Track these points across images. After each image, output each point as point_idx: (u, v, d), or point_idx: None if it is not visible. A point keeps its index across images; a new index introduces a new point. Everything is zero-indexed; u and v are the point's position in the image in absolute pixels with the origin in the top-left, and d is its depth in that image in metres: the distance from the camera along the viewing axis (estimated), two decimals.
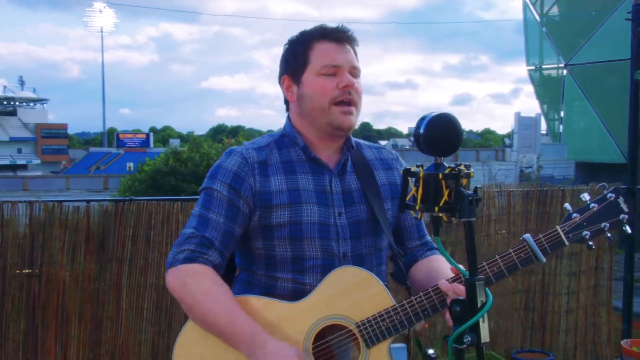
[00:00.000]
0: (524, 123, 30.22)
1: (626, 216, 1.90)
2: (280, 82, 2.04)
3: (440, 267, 1.97)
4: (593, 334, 4.93)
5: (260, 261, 1.96)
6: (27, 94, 75.89)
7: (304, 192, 1.93)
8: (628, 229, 1.91)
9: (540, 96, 38.44)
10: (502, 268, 1.85)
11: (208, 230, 1.88)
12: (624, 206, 1.91)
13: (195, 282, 1.83)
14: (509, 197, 4.74)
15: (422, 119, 1.56)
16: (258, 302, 1.86)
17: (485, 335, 1.48)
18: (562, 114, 37.16)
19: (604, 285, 4.97)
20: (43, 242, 4.12)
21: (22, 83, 78.56)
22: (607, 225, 1.89)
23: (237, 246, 2.02)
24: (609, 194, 1.91)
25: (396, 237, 2.11)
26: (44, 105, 78.51)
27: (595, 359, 4.94)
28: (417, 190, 1.55)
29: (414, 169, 1.57)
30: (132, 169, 36.90)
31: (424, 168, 1.57)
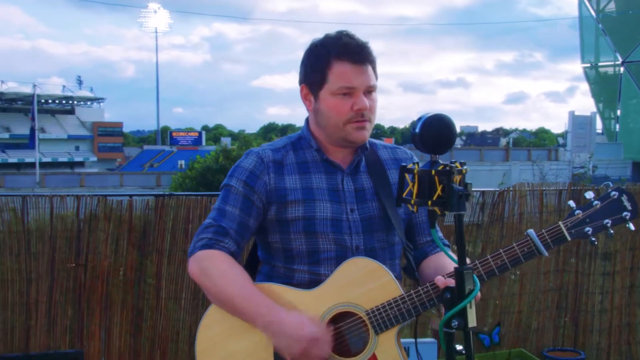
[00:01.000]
0: (579, 122, 29.51)
1: (629, 214, 1.94)
2: (300, 88, 2.15)
3: (447, 263, 2.06)
4: (628, 335, 4.89)
5: (279, 254, 2.09)
6: (85, 93, 78.01)
7: (317, 190, 2.06)
8: (631, 226, 1.96)
9: (596, 94, 37.56)
10: (505, 261, 1.94)
11: (224, 221, 2.04)
12: (627, 204, 1.95)
13: (212, 266, 1.99)
14: (541, 196, 4.75)
15: (419, 119, 1.68)
16: (273, 288, 2.00)
17: (472, 320, 1.59)
18: (618, 112, 36.23)
19: None
20: (89, 234, 4.33)
21: (80, 82, 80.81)
22: (610, 222, 1.93)
23: (258, 240, 2.18)
24: (613, 192, 1.96)
25: (408, 233, 2.21)
26: (101, 104, 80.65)
27: (629, 359, 4.90)
28: (413, 186, 1.67)
29: (410, 166, 1.69)
30: (183, 166, 37.66)
31: (420, 165, 1.68)
